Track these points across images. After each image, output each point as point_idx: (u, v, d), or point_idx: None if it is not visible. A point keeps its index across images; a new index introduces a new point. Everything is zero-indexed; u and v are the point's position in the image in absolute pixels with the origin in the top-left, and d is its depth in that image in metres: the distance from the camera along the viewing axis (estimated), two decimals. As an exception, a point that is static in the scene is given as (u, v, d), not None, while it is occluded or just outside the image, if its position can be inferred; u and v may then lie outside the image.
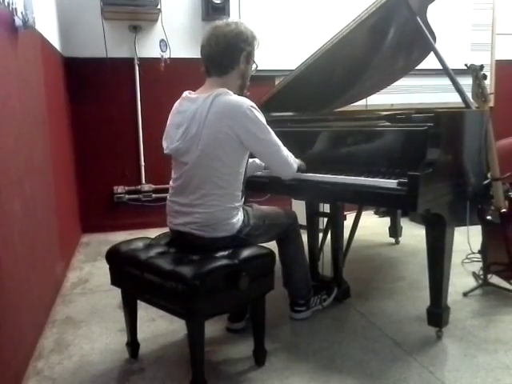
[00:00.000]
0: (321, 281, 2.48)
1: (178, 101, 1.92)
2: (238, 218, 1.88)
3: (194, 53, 3.86)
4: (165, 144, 1.90)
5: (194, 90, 1.92)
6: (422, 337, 2.07)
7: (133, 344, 1.97)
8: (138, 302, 1.93)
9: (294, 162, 1.97)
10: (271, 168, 1.98)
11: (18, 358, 1.81)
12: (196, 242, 1.84)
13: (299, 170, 2.08)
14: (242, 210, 1.92)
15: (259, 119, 1.78)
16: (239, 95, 1.85)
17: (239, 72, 1.89)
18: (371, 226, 3.90)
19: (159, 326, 2.24)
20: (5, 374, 1.63)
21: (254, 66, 1.97)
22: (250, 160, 2.05)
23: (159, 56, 3.88)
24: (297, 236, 2.16)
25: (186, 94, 1.90)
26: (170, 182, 1.94)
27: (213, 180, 1.78)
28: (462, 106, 2.08)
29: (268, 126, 1.82)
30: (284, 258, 2.16)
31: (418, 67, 2.76)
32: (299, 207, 2.81)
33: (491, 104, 2.18)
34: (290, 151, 1.95)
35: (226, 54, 1.84)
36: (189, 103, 1.84)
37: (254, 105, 1.80)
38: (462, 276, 2.74)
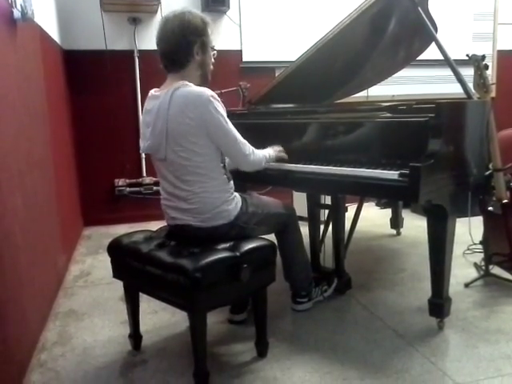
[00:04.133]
0: (322, 272, 2.48)
1: (146, 100, 1.92)
2: (236, 205, 1.89)
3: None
4: (141, 144, 1.92)
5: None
6: (423, 327, 2.07)
7: (135, 336, 1.98)
8: (140, 294, 1.94)
9: (253, 153, 1.92)
10: (229, 158, 1.94)
11: (22, 351, 1.83)
12: (195, 233, 1.84)
13: (279, 159, 2.13)
14: (239, 197, 1.93)
15: (218, 110, 1.77)
16: (202, 84, 1.84)
17: (196, 63, 1.87)
18: (372, 218, 3.90)
19: (161, 318, 2.25)
20: (9, 367, 1.64)
21: (213, 53, 1.94)
22: None
23: (159, 48, 3.85)
24: (295, 229, 2.16)
25: (151, 92, 1.90)
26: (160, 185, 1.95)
27: (189, 170, 1.79)
28: (464, 96, 2.07)
29: (226, 117, 1.81)
30: (283, 251, 2.17)
31: (419, 58, 2.74)
32: (300, 199, 2.81)
33: (493, 94, 2.16)
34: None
35: (177, 50, 1.82)
36: (153, 101, 1.85)
37: (215, 95, 1.79)
38: (463, 267, 2.74)
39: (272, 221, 2.07)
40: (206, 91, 1.77)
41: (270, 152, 2.09)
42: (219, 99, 1.80)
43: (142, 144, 1.90)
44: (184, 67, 1.85)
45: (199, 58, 1.87)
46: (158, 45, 1.86)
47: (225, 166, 1.89)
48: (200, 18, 1.84)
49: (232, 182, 1.92)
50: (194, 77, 1.86)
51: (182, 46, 1.81)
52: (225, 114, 1.80)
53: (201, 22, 1.84)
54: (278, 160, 2.15)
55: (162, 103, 1.78)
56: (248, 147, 1.90)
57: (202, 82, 1.88)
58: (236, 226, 1.88)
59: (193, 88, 1.78)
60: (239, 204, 1.91)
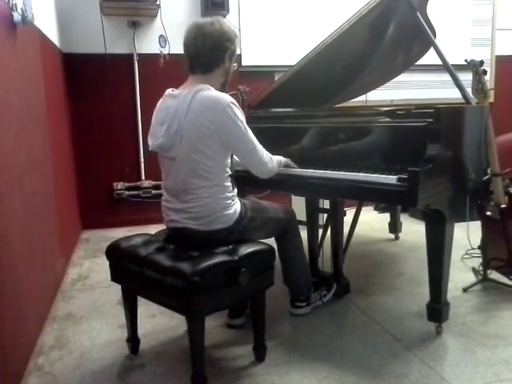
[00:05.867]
0: (321, 277, 2.48)
1: (161, 98, 1.93)
2: (235, 210, 1.89)
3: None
4: (150, 141, 1.92)
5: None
6: (421, 332, 2.07)
7: (133, 340, 1.97)
8: (138, 298, 1.93)
9: (271, 160, 1.96)
10: (246, 165, 1.96)
11: (19, 354, 1.82)
12: (194, 236, 1.84)
13: (287, 166, 2.14)
14: (238, 202, 1.93)
15: (238, 116, 1.79)
16: (221, 91, 1.86)
17: (223, 70, 1.91)
18: (371, 222, 3.90)
19: (159, 322, 2.25)
20: (6, 371, 1.63)
21: (234, 65, 1.99)
22: None
23: (158, 52, 3.86)
24: (295, 233, 2.17)
25: (168, 91, 1.92)
26: (162, 184, 1.95)
27: (198, 173, 1.80)
28: (462, 101, 2.08)
29: (246, 124, 1.83)
30: (283, 255, 2.17)
31: (417, 63, 2.75)
32: (299, 203, 2.81)
33: (491, 99, 2.17)
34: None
35: (212, 53, 1.86)
36: (171, 100, 1.86)
37: (235, 101, 1.81)
38: (461, 271, 2.74)
39: (271, 226, 2.07)
40: (227, 97, 1.80)
41: (281, 158, 2.11)
42: (239, 106, 1.82)
43: (152, 141, 1.90)
44: (211, 71, 1.88)
45: (227, 66, 1.91)
46: (189, 46, 1.88)
47: (231, 174, 1.90)
48: (233, 30, 1.94)
49: (236, 189, 1.93)
50: (216, 82, 1.89)
51: (217, 51, 1.86)
52: (244, 121, 1.82)
53: (234, 33, 1.93)
54: (287, 166, 2.16)
55: (181, 103, 1.79)
56: (266, 154, 1.93)
57: (221, 90, 1.89)
58: (235, 231, 1.88)
59: (214, 92, 1.81)
60: (239, 209, 1.91)
